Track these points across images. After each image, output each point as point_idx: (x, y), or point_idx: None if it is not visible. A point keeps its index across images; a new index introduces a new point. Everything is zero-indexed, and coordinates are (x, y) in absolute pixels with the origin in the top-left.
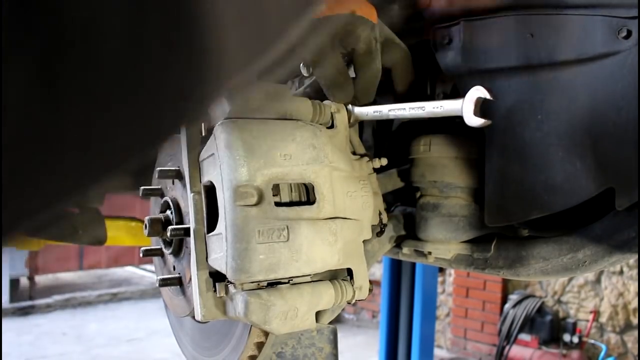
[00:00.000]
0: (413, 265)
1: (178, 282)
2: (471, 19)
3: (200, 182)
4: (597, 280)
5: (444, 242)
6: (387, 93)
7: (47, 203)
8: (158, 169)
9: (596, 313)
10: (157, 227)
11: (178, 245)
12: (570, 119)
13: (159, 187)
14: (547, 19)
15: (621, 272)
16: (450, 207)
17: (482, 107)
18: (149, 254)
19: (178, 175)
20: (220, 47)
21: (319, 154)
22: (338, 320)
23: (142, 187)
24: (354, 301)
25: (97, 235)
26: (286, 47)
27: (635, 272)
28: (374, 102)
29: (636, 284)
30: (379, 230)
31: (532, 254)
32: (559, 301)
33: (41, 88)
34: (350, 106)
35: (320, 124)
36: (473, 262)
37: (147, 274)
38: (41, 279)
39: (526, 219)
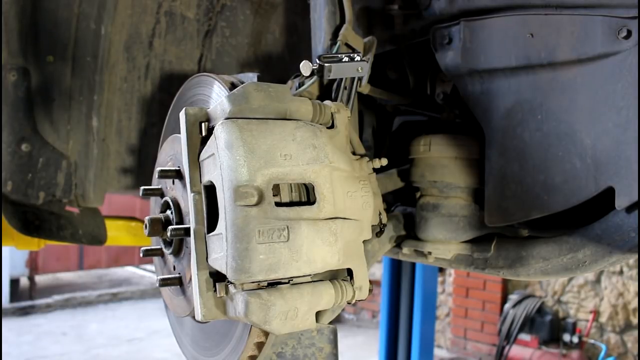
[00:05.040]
0: (413, 265)
1: (178, 282)
2: (471, 19)
3: (201, 182)
4: (597, 280)
5: (444, 242)
6: (392, 91)
7: None
8: (158, 168)
9: (596, 313)
10: (157, 227)
11: (178, 245)
12: (570, 118)
13: (159, 187)
14: (547, 19)
15: (621, 272)
16: (450, 207)
17: None
18: (149, 254)
19: (178, 175)
20: None
21: (319, 154)
22: (338, 320)
23: (142, 187)
24: (354, 301)
25: (97, 235)
26: None
27: (635, 272)
28: (375, 101)
29: (636, 284)
30: (378, 230)
31: (532, 254)
32: (558, 301)
33: None
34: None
35: (321, 124)
36: (473, 262)
37: (147, 274)
38: (41, 279)
39: (526, 219)
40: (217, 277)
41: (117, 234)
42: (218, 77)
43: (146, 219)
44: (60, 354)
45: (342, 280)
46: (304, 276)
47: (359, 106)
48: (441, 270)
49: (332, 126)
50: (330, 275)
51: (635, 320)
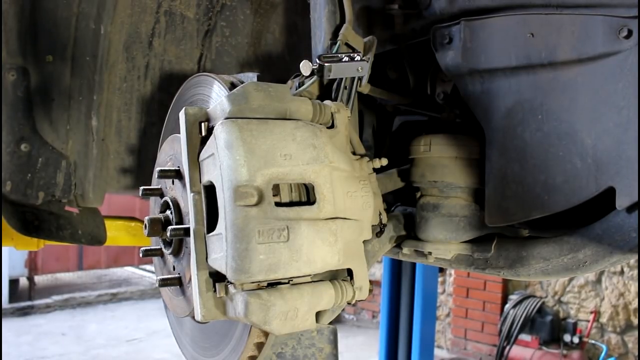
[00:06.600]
0: (413, 265)
1: (178, 282)
2: (471, 19)
3: (200, 182)
4: (598, 281)
5: (444, 242)
6: (392, 91)
7: None
8: (158, 168)
9: (597, 313)
10: (157, 227)
11: (178, 246)
12: (571, 118)
13: (159, 187)
14: (548, 18)
15: (622, 272)
16: (451, 207)
17: None
18: (149, 254)
19: (178, 175)
20: None
21: (319, 154)
22: (338, 320)
23: (142, 187)
24: (354, 301)
25: (97, 235)
26: None
27: (636, 272)
28: (375, 100)
29: (637, 284)
30: (378, 230)
31: (533, 254)
32: (559, 301)
33: None
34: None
35: (321, 124)
36: (473, 262)
37: (147, 274)
38: (40, 279)
39: (526, 219)
40: (217, 277)
41: (117, 234)
42: (218, 77)
43: (146, 219)
44: (60, 355)
45: (342, 280)
46: (304, 276)
47: (359, 106)
48: (441, 270)
49: (332, 126)
50: (330, 276)
51: (636, 321)
